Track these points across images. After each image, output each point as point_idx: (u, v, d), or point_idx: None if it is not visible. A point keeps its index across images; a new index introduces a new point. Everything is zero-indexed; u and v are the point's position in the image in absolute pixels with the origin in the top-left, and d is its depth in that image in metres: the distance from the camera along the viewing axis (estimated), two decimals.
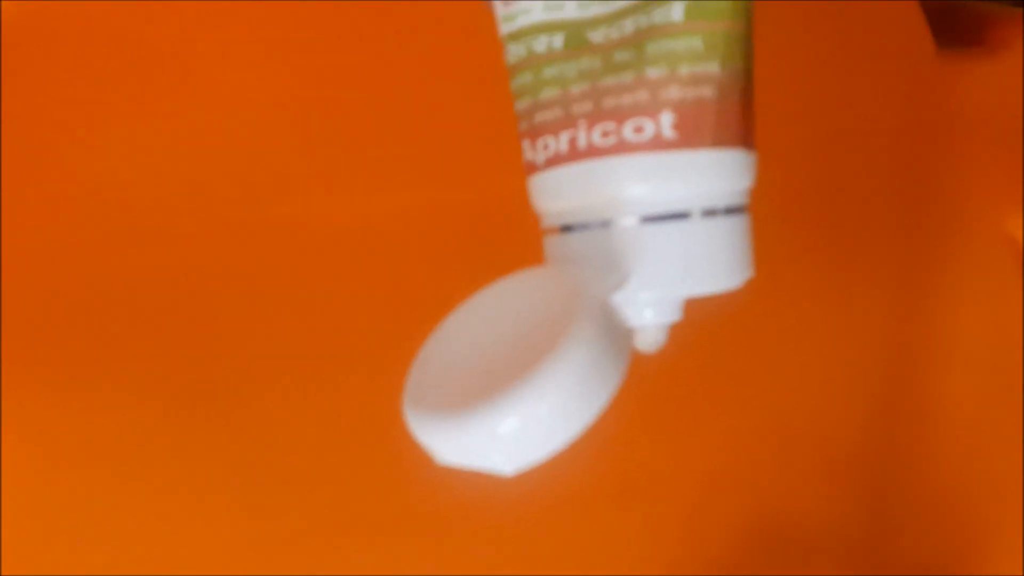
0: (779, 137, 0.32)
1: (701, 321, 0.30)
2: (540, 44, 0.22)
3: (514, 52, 0.22)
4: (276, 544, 0.28)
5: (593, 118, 0.21)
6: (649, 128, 0.20)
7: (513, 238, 0.31)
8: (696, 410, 0.29)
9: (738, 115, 0.21)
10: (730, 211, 0.22)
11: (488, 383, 0.18)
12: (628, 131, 0.20)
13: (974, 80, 0.33)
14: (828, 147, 0.32)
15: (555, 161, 0.21)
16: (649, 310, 0.22)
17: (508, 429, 0.18)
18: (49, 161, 0.32)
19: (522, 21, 0.22)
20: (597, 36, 0.21)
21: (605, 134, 0.21)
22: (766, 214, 0.31)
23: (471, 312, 0.21)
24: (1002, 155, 0.32)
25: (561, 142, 0.21)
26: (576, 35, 0.22)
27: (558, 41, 0.22)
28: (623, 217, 0.21)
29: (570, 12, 0.22)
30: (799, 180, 0.32)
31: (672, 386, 0.29)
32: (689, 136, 0.20)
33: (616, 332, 0.19)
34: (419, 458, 0.28)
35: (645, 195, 0.21)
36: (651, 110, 0.20)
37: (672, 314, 0.22)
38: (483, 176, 0.32)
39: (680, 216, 0.21)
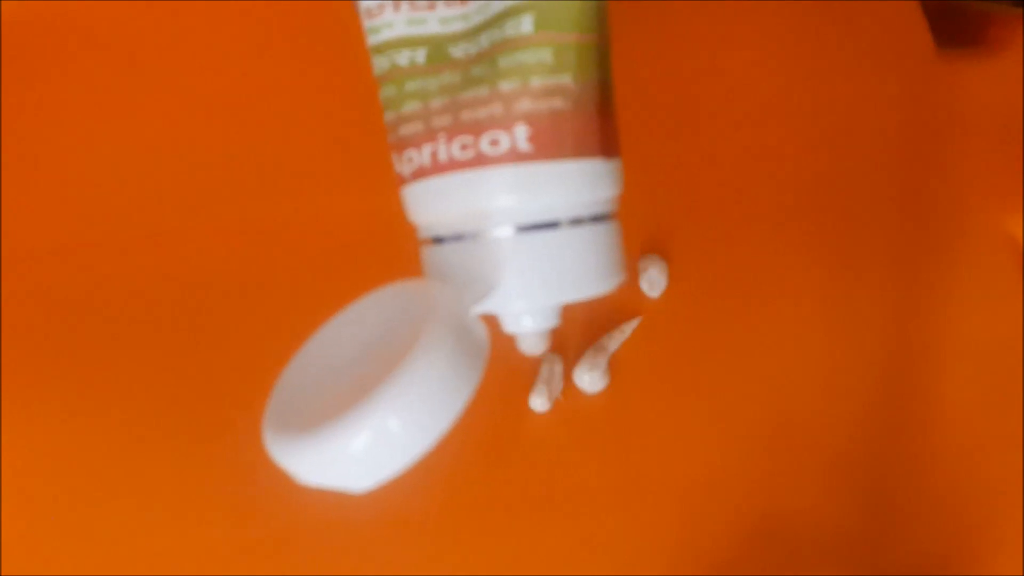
0: (779, 137, 0.32)
1: (700, 320, 0.30)
2: (403, 58, 0.22)
3: (378, 64, 0.23)
4: (277, 545, 0.28)
5: (452, 131, 0.21)
6: (505, 141, 0.20)
7: None
8: (695, 409, 0.29)
9: (596, 126, 0.21)
10: (596, 219, 0.22)
11: (342, 400, 0.18)
12: (485, 144, 0.21)
13: (974, 80, 0.33)
14: (828, 147, 0.32)
15: (420, 174, 0.22)
16: (526, 318, 0.22)
17: (360, 445, 0.17)
18: (49, 161, 0.32)
19: (386, 34, 0.22)
20: (458, 52, 0.22)
21: (464, 147, 0.21)
22: (766, 214, 0.31)
23: (334, 329, 0.21)
24: (1002, 155, 0.32)
25: (424, 155, 0.21)
26: (438, 51, 0.22)
27: (421, 56, 0.22)
28: (490, 228, 0.21)
29: (433, 27, 0.22)
30: (799, 180, 0.32)
31: (671, 385, 0.29)
32: (545, 148, 0.21)
33: (468, 344, 0.19)
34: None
35: (507, 207, 0.21)
36: (506, 123, 0.20)
37: (549, 320, 0.22)
38: None
39: (546, 226, 0.21)
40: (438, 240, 0.22)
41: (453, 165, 0.21)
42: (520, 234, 0.21)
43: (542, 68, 0.20)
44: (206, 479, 0.28)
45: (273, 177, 0.32)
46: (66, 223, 0.31)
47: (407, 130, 0.22)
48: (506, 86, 0.21)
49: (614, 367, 0.29)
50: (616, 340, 0.29)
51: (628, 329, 0.30)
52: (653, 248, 0.31)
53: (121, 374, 0.29)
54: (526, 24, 0.21)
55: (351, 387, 0.18)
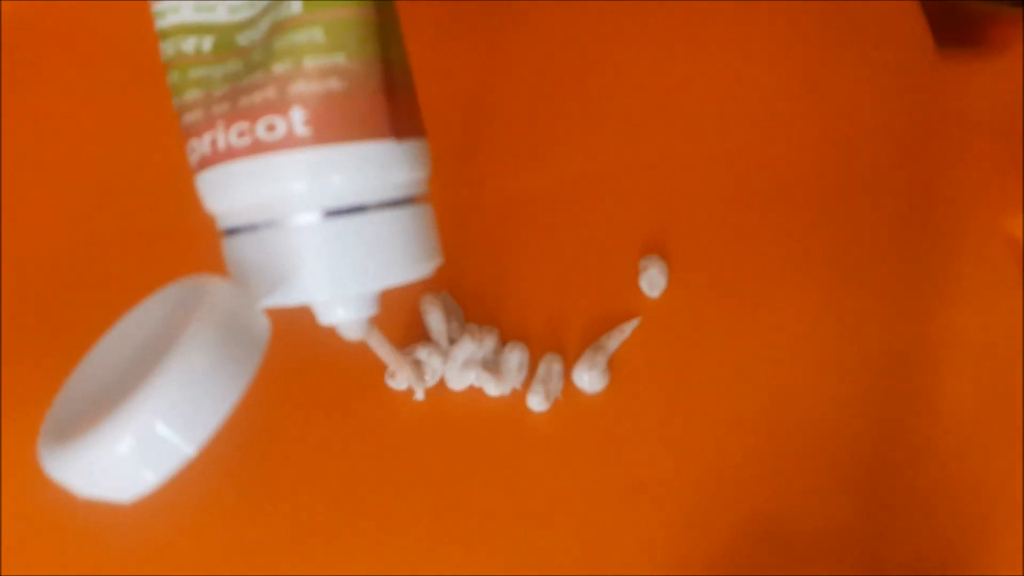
0: (779, 137, 0.32)
1: (700, 320, 0.30)
2: (189, 45, 0.21)
3: (164, 50, 0.22)
4: (279, 543, 0.28)
5: (230, 118, 0.20)
6: (281, 126, 0.20)
7: (509, 235, 0.31)
8: (695, 409, 0.29)
9: (382, 106, 0.20)
10: (401, 203, 0.21)
11: (109, 406, 0.17)
12: (261, 130, 0.20)
13: (974, 80, 0.33)
14: (828, 147, 0.32)
15: (203, 164, 0.21)
16: (339, 309, 0.22)
17: (123, 450, 0.17)
18: (49, 161, 0.32)
19: (171, 19, 0.21)
20: (244, 40, 0.21)
21: (241, 134, 0.20)
22: (766, 214, 0.31)
23: (116, 333, 0.20)
24: (1002, 155, 0.32)
25: (204, 144, 0.21)
26: (225, 39, 0.21)
27: (207, 44, 0.21)
28: (281, 216, 0.20)
29: (221, 15, 0.21)
30: (799, 180, 0.32)
31: (671, 385, 0.29)
32: (324, 131, 0.20)
33: (237, 339, 0.18)
34: (423, 454, 0.28)
35: (292, 194, 0.20)
36: (281, 107, 0.20)
37: (364, 310, 0.22)
38: (479, 173, 0.32)
39: (344, 212, 0.20)
40: (232, 231, 0.21)
41: (232, 153, 0.20)
42: (316, 221, 0.20)
43: (314, 48, 0.20)
44: (206, 477, 0.28)
45: None
46: (66, 223, 0.31)
47: (190, 118, 0.21)
48: (279, 68, 0.20)
49: (614, 367, 0.29)
50: (616, 340, 0.29)
51: (628, 329, 0.30)
52: (653, 248, 0.31)
53: None
54: (295, 3, 0.20)
55: (119, 391, 0.18)
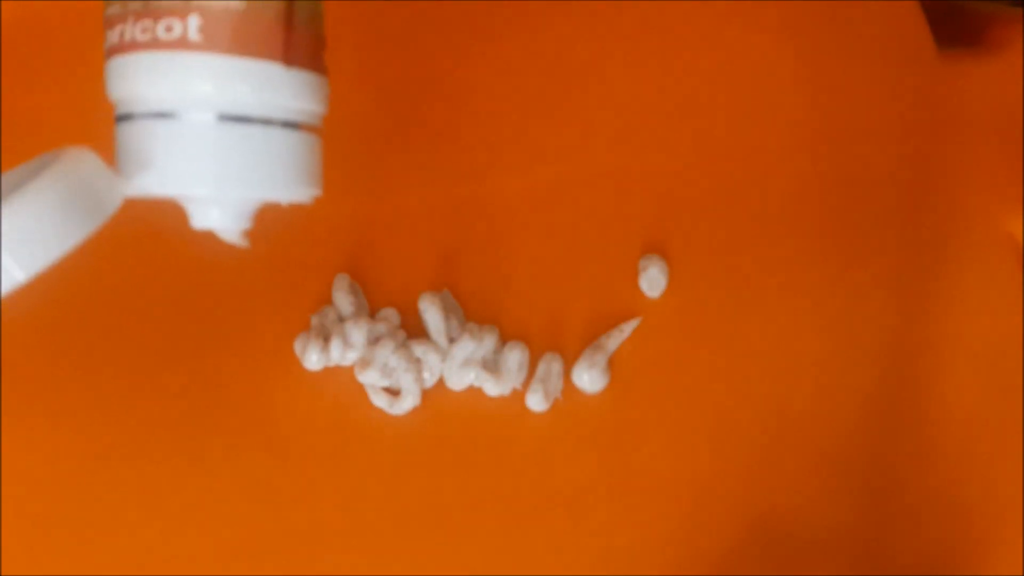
0: (779, 137, 0.32)
1: (700, 320, 0.30)
2: None
3: None
4: (278, 543, 0.28)
5: (139, 15, 0.23)
6: (178, 28, 0.22)
7: (509, 235, 0.31)
8: (695, 409, 0.29)
9: (276, 33, 0.22)
10: (289, 125, 0.23)
11: None
12: (160, 29, 0.22)
13: (974, 80, 0.33)
14: (828, 147, 0.32)
15: (110, 52, 0.23)
16: (214, 211, 0.24)
17: None
18: None
19: None
20: None
21: (144, 30, 0.22)
22: (766, 214, 0.31)
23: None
24: (1002, 155, 0.32)
25: (115, 35, 0.23)
26: None
27: None
28: (165, 110, 0.22)
29: None
30: (799, 180, 0.32)
31: (671, 385, 0.29)
32: (213, 40, 0.22)
33: (81, 195, 0.21)
34: (422, 454, 0.28)
35: (177, 91, 0.22)
36: (182, 12, 0.22)
37: (238, 219, 0.24)
38: (480, 173, 0.32)
39: (229, 118, 0.22)
40: (122, 117, 0.23)
41: (134, 46, 0.22)
42: (200, 119, 0.22)
43: None
44: (210, 477, 0.28)
45: None
46: None
47: (110, 11, 0.23)
48: None
49: (614, 367, 0.29)
50: (615, 339, 0.29)
51: (628, 328, 0.30)
52: (653, 248, 0.31)
53: (121, 373, 0.29)
54: None
55: None
